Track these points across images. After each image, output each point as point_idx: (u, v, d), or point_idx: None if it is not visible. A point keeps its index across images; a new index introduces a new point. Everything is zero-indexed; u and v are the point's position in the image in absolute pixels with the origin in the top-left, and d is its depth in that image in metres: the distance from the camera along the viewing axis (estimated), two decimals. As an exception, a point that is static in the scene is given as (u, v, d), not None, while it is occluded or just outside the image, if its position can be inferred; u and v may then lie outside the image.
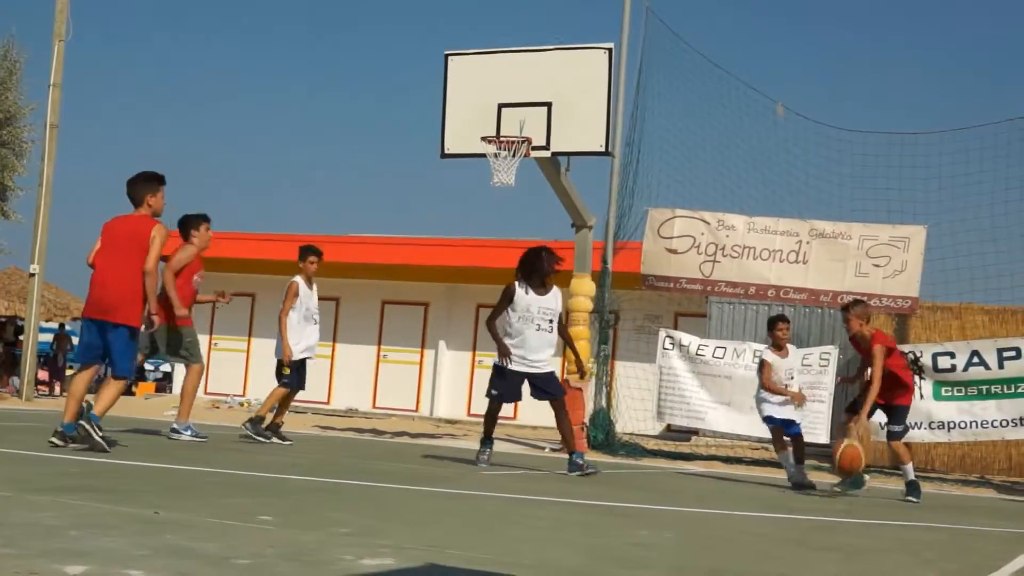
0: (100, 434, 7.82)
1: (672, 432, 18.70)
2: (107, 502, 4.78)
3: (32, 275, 19.20)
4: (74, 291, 29.42)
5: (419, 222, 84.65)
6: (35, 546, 3.45)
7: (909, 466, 10.18)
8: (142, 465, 7.13)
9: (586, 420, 14.81)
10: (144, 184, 8.56)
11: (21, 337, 24.28)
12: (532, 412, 23.13)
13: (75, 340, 39.55)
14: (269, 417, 11.31)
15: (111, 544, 3.58)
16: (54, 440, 7.90)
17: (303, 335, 11.26)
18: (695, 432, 17.35)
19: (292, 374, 11.22)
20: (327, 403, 24.64)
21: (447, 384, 24.53)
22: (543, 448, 14.81)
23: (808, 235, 14.97)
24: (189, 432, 10.37)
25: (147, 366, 43.99)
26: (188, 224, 10.82)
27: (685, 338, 15.17)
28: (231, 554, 3.57)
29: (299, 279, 11.35)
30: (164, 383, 36.66)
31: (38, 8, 72.39)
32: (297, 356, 11.19)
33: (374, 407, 24.45)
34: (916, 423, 14.04)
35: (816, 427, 14.28)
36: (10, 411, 14.85)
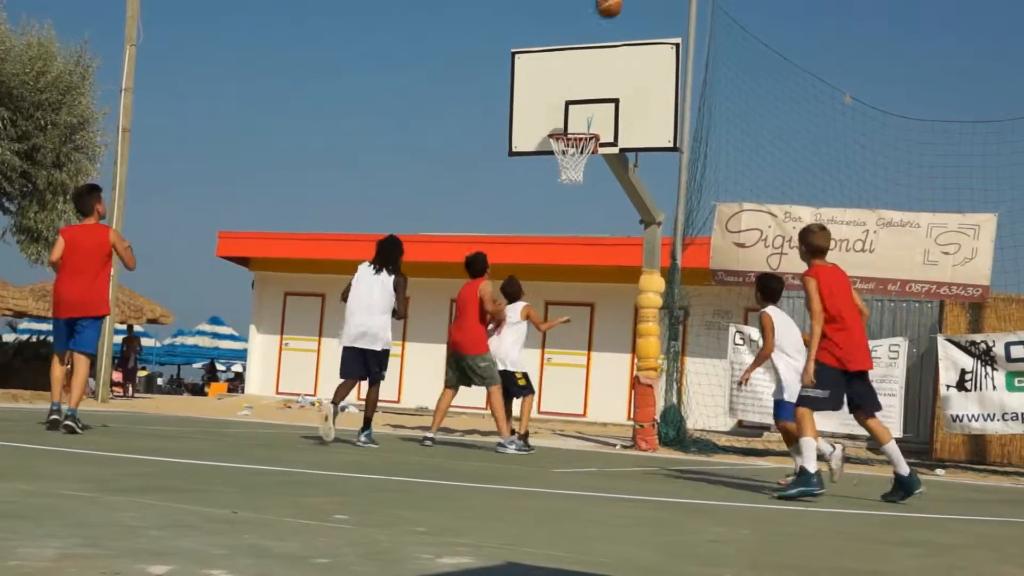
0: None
1: (743, 428, 18.56)
2: (185, 502, 4.84)
3: (107, 278, 19.49)
4: (148, 294, 29.90)
5: (486, 219, 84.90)
6: (117, 546, 3.50)
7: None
8: (216, 465, 7.22)
9: (657, 417, 14.74)
10: (90, 195, 9.85)
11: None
12: (601, 409, 23.14)
13: (151, 342, 40.32)
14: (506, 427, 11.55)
15: (192, 544, 3.63)
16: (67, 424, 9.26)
17: None
18: (767, 428, 17.20)
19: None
20: (397, 402, 24.79)
21: (516, 381, 24.53)
22: (614, 445, 14.76)
23: (875, 224, 14.74)
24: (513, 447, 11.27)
25: (219, 366, 44.70)
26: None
27: (755, 333, 15.03)
28: (310, 553, 3.59)
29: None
30: (236, 383, 37.17)
31: (110, 13, 73.68)
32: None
33: (443, 405, 24.52)
34: (989, 415, 13.77)
35: (888, 420, 14.06)
36: (87, 412, 15.11)
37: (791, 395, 8.60)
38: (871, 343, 14.64)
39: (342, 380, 10.74)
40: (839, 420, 14.35)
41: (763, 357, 8.98)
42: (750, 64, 15.74)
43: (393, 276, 10.74)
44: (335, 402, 10.48)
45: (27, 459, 6.76)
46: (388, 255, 10.82)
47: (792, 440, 8.72)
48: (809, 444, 7.78)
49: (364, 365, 10.68)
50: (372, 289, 10.65)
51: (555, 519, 5.45)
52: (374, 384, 10.75)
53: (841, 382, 8.01)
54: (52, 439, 8.52)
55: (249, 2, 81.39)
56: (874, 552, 4.92)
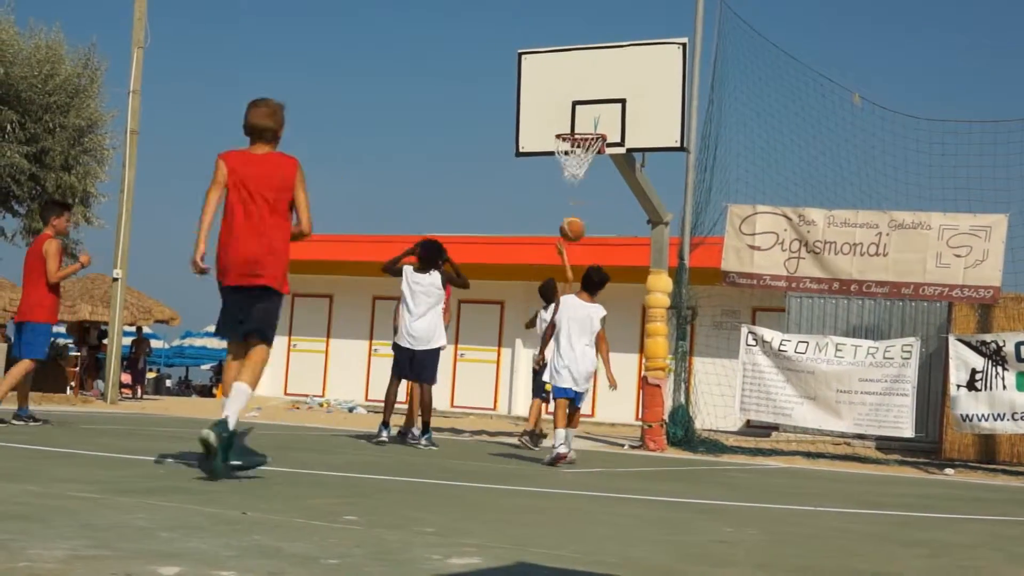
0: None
1: (752, 428, 18.54)
2: (194, 503, 4.85)
3: (115, 280, 19.56)
4: (156, 295, 29.93)
5: (495, 220, 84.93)
6: (128, 547, 3.51)
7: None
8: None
9: (665, 417, 14.74)
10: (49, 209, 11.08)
11: (104, 341, 24.78)
12: (609, 409, 23.14)
13: (159, 344, 40.37)
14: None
15: (202, 545, 3.64)
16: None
17: None
18: (775, 427, 17.19)
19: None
20: (405, 403, 24.80)
21: (524, 382, 24.52)
22: (622, 445, 14.76)
23: (888, 226, 14.72)
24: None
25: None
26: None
27: (767, 334, 15.03)
28: (319, 554, 3.60)
29: None
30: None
31: (117, 16, 73.81)
32: None
33: (452, 406, 24.55)
34: (999, 414, 13.74)
35: (900, 421, 14.07)
36: (96, 414, 15.15)
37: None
38: (883, 343, 14.68)
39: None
40: (851, 420, 14.36)
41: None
42: (758, 64, 15.72)
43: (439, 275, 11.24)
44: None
45: (36, 461, 6.78)
46: (432, 257, 11.22)
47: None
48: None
49: (410, 367, 11.22)
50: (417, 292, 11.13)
51: (563, 519, 5.46)
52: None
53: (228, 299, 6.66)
54: (60, 441, 8.54)
55: (255, 2, 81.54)
56: (882, 552, 4.92)
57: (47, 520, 4.00)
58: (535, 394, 12.72)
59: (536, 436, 12.35)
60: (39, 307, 10.56)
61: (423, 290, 11.13)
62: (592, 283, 10.02)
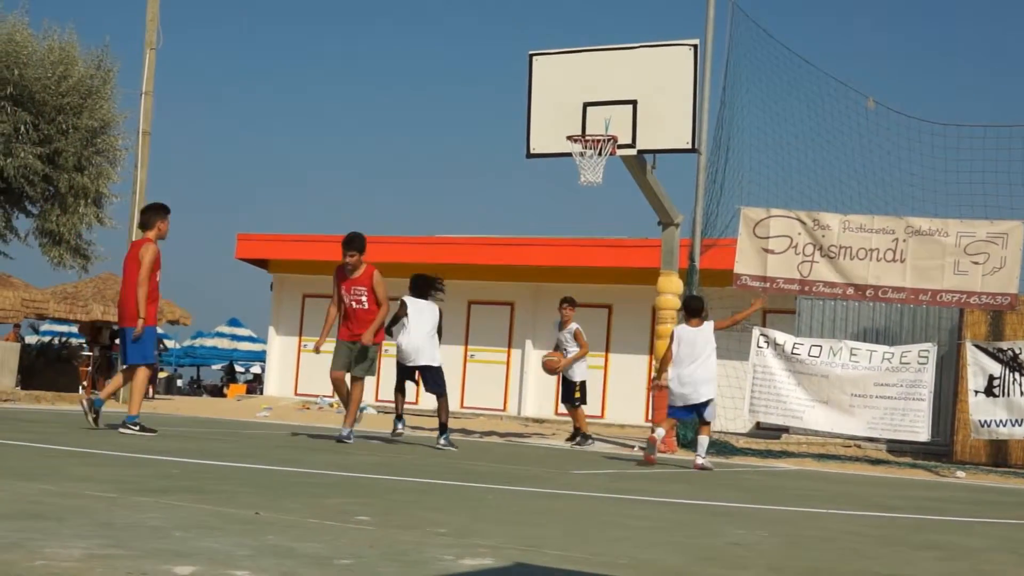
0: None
1: (762, 430, 18.52)
2: (208, 503, 4.87)
3: (127, 280, 19.58)
4: (167, 296, 30.02)
5: (503, 222, 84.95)
6: (142, 546, 3.53)
7: None
8: (238, 466, 7.25)
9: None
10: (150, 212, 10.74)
11: (117, 341, 24.85)
12: (619, 411, 23.13)
13: (168, 343, 40.48)
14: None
15: (215, 544, 3.66)
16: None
17: None
18: (785, 430, 17.17)
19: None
20: (415, 403, 24.82)
21: (534, 383, 24.56)
22: (632, 447, 14.76)
23: (904, 232, 14.71)
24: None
25: (238, 368, 44.86)
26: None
27: (780, 337, 15.02)
28: (333, 554, 3.62)
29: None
30: (254, 385, 37.29)
31: (129, 17, 74.05)
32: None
33: (462, 407, 24.57)
34: (1017, 420, 13.78)
35: (917, 425, 14.08)
36: (108, 413, 15.19)
37: None
38: (900, 348, 14.65)
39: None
40: (866, 424, 14.35)
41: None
42: (770, 66, 15.71)
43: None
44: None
45: (52, 460, 6.81)
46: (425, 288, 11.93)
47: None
48: None
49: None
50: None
51: (575, 521, 5.46)
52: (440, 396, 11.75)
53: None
54: (75, 440, 8.57)
55: (267, 5, 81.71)
56: (896, 555, 4.92)
57: (63, 519, 4.02)
58: (566, 400, 14.50)
59: (585, 437, 14.16)
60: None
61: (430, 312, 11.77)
62: (692, 310, 11.05)
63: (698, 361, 10.63)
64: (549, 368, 14.41)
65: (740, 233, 15.35)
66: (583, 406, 14.53)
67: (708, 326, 10.86)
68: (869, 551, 5.00)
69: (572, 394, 14.32)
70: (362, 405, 21.60)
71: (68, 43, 20.52)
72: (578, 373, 14.33)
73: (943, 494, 9.83)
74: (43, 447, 7.70)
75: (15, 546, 3.36)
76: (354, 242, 11.21)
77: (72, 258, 21.14)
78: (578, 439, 14.35)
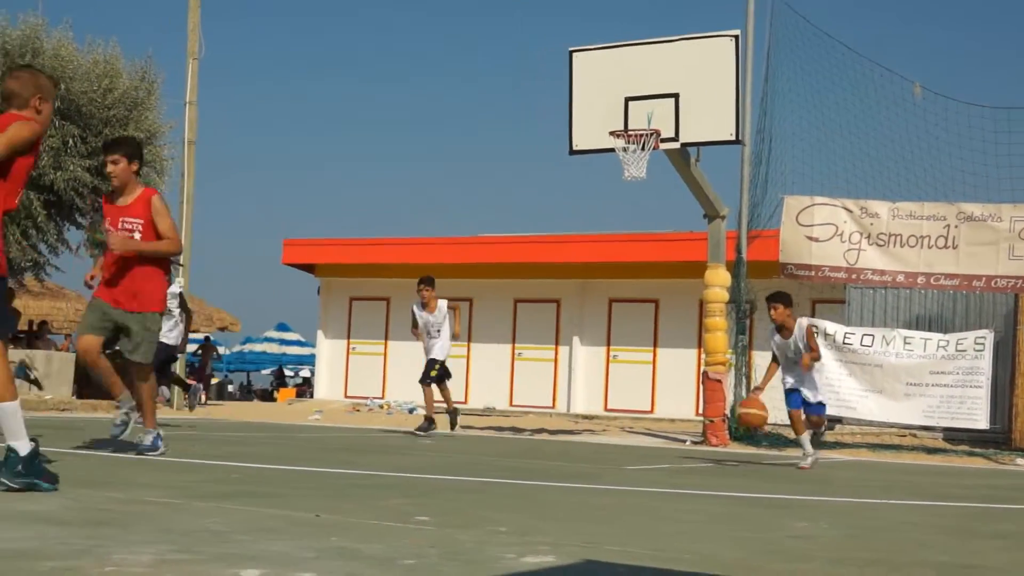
0: None
1: (815, 421, 18.37)
2: (268, 506, 4.91)
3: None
4: (218, 303, 30.32)
5: (548, 219, 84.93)
6: (208, 551, 3.57)
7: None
8: (294, 469, 7.30)
9: (727, 411, 14.67)
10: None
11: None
12: (668, 405, 23.06)
13: (220, 349, 40.85)
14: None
15: (280, 547, 3.69)
16: None
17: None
18: (838, 420, 17.03)
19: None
20: (464, 402, 24.88)
21: (583, 380, 24.55)
22: (684, 441, 14.72)
23: (956, 218, 14.54)
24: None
25: (287, 372, 45.16)
26: None
27: (830, 327, 14.90)
28: (395, 555, 3.64)
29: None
30: (304, 388, 37.53)
31: (171, 29, 74.67)
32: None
33: (511, 405, 24.61)
34: None
35: (975, 413, 13.94)
36: (163, 420, 15.34)
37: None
38: (955, 335, 14.45)
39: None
40: (921, 413, 14.20)
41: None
42: (812, 55, 15.56)
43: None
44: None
45: (114, 467, 6.89)
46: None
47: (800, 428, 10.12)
48: None
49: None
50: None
51: (632, 516, 5.46)
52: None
53: None
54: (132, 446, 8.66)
55: (311, 4, 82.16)
56: (962, 545, 4.87)
57: (127, 525, 4.07)
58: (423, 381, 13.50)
59: (431, 421, 13.28)
60: None
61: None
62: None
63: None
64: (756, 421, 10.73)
65: (783, 222, 15.24)
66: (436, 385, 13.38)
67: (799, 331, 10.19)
68: (933, 541, 4.95)
69: (431, 372, 13.19)
70: (412, 405, 21.67)
71: (112, 56, 20.75)
72: (443, 351, 13.26)
73: (1004, 482, 9.72)
74: (106, 455, 7.78)
75: (84, 553, 3.41)
76: (120, 145, 7.93)
77: (123, 268, 21.37)
78: (423, 424, 13.24)
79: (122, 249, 7.52)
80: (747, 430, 14.10)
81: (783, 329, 10.20)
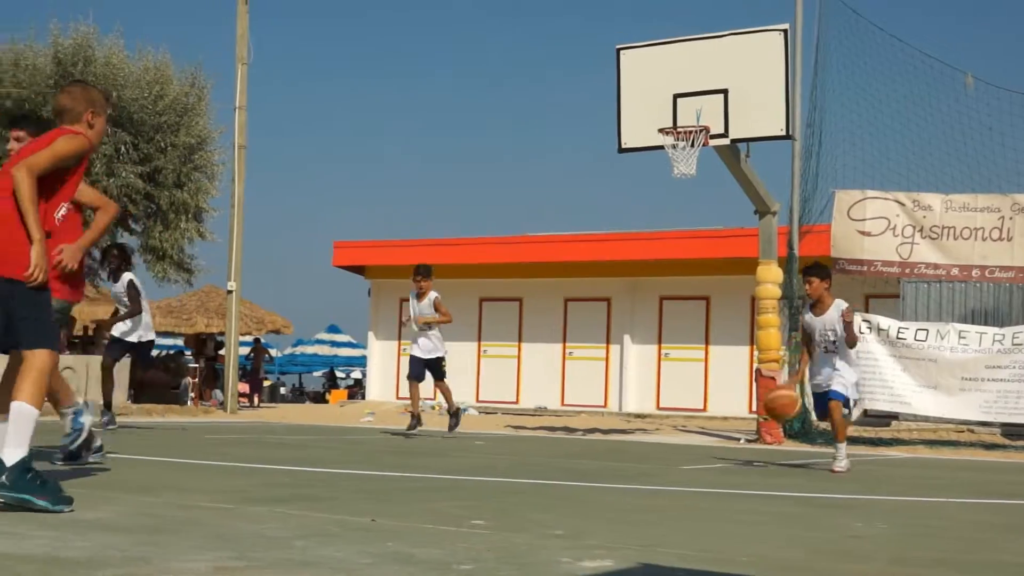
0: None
1: (870, 417, 18.18)
2: (323, 511, 4.92)
3: (229, 292, 19.96)
4: (267, 306, 30.53)
5: (597, 217, 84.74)
6: (264, 557, 3.57)
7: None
8: (348, 472, 7.32)
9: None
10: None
11: (221, 352, 25.32)
12: (721, 403, 22.91)
13: (272, 352, 41.16)
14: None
15: (337, 553, 3.69)
16: None
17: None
18: (895, 416, 16.83)
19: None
20: (516, 403, 24.88)
21: (634, 378, 24.45)
22: (738, 439, 14.61)
23: (1011, 210, 14.32)
24: None
25: (339, 374, 45.43)
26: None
27: (884, 322, 14.71)
28: (452, 559, 3.63)
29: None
30: (355, 390, 37.72)
31: (220, 35, 75.41)
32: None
33: (562, 404, 24.56)
34: None
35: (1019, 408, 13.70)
36: (216, 424, 15.49)
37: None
38: (1012, 329, 14.20)
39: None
40: (978, 408, 13.99)
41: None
42: (861, 47, 15.38)
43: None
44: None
45: (165, 472, 6.95)
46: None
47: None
48: None
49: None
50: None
51: (687, 517, 5.41)
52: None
53: None
54: (186, 451, 8.74)
55: (361, 4, 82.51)
56: (1022, 543, 4.78)
57: (181, 531, 4.09)
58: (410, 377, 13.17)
59: (417, 419, 12.94)
60: None
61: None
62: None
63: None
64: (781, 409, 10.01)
65: (834, 216, 15.08)
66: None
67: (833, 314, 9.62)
68: (996, 540, 4.86)
69: (442, 367, 13.10)
70: (464, 406, 21.69)
71: (162, 63, 20.99)
72: (440, 347, 13.09)
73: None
74: (156, 459, 7.85)
75: (142, 560, 3.43)
76: (29, 117, 7.40)
77: (176, 272, 21.61)
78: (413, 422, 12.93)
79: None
80: (791, 424, 13.93)
81: (816, 305, 9.49)
